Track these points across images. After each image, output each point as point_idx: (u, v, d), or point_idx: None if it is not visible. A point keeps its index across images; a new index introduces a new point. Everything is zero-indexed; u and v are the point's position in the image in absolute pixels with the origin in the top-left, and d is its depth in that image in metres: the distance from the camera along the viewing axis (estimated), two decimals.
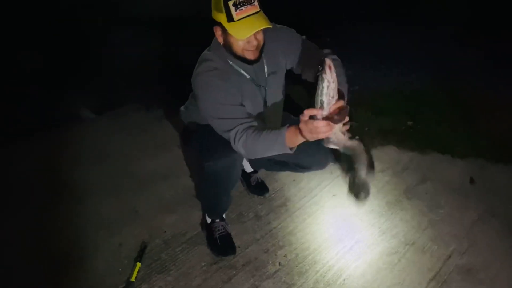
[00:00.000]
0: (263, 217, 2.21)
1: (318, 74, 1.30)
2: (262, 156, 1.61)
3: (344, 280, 1.86)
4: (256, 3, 1.55)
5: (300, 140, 1.45)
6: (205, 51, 1.75)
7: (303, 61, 1.80)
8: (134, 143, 2.86)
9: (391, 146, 2.77)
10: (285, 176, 2.46)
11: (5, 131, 2.96)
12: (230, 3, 1.51)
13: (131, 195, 2.37)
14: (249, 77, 1.75)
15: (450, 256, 1.95)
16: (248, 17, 1.53)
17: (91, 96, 3.44)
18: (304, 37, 1.82)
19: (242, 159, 1.84)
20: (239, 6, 1.51)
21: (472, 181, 2.43)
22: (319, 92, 1.30)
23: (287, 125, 1.49)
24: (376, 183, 2.40)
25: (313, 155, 1.95)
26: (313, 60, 1.68)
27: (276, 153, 1.56)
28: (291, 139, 1.47)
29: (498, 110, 3.08)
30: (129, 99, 3.49)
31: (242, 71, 1.73)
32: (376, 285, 1.83)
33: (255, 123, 1.61)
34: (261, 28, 1.54)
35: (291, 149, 1.51)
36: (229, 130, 1.59)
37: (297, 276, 1.87)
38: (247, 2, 1.53)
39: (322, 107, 1.31)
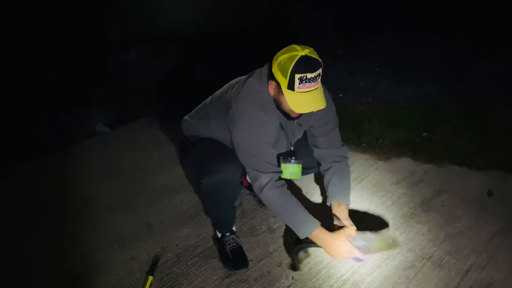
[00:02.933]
0: (276, 230, 2.18)
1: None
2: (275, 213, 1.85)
3: None
4: (319, 79, 1.56)
5: (319, 242, 1.71)
6: (255, 81, 1.72)
7: (322, 136, 1.91)
8: (147, 157, 2.87)
9: (406, 157, 2.73)
10: (298, 189, 2.44)
11: (22, 148, 3.00)
12: (297, 76, 1.51)
13: (144, 209, 2.37)
14: (279, 122, 1.78)
15: (468, 271, 1.89)
16: (307, 92, 1.55)
17: (105, 111, 3.49)
18: (336, 116, 1.91)
19: (239, 173, 1.81)
20: (304, 81, 1.52)
21: (490, 193, 2.37)
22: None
23: (319, 224, 1.71)
24: (391, 195, 2.37)
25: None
26: (328, 141, 1.91)
27: (291, 227, 1.78)
28: (315, 237, 1.70)
29: None
30: (142, 113, 3.52)
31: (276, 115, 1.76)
32: None
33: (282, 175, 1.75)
34: (317, 109, 1.57)
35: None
36: (261, 172, 1.66)
37: None
38: (313, 80, 1.53)
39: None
